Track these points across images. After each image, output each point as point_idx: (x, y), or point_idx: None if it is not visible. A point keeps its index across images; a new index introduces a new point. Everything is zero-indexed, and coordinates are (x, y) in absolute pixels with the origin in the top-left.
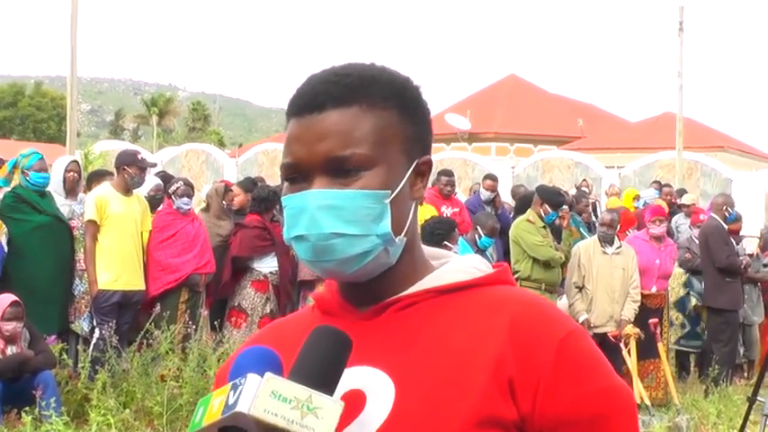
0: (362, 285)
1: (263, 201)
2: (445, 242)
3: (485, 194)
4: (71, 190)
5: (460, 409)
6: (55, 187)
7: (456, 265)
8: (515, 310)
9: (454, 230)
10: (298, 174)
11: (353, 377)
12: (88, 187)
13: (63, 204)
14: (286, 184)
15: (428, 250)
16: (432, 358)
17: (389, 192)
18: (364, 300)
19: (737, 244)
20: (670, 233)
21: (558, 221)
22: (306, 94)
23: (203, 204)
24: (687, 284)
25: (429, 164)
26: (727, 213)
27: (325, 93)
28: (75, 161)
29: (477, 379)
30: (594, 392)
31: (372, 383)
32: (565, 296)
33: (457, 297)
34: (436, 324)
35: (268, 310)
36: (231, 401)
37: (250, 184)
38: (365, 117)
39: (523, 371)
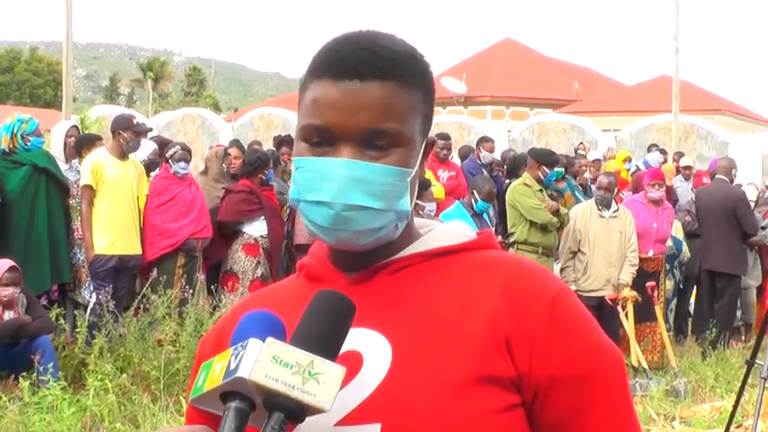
0: (355, 252)
1: (249, 165)
2: (417, 201)
3: (488, 157)
4: (71, 155)
5: (458, 367)
6: (55, 153)
7: (442, 230)
8: (507, 271)
9: (427, 189)
10: (323, 137)
11: (350, 339)
12: (78, 153)
13: (64, 170)
14: (303, 144)
15: (415, 221)
16: (427, 318)
17: (412, 170)
18: (354, 265)
19: None
20: (671, 196)
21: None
22: (347, 59)
23: (202, 167)
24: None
25: (433, 144)
26: (733, 177)
27: (368, 62)
28: (75, 126)
29: (473, 337)
30: (585, 350)
31: (369, 345)
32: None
33: (447, 260)
34: (430, 286)
35: (259, 274)
36: (232, 366)
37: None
38: (401, 94)
39: (519, 329)
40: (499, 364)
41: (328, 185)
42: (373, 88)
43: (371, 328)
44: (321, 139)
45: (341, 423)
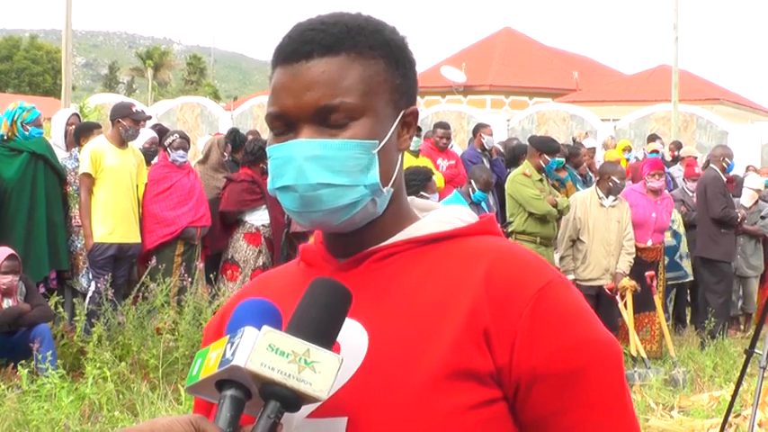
0: (346, 236)
1: (250, 154)
2: (421, 192)
3: (490, 142)
4: (72, 143)
5: (432, 361)
6: (56, 141)
7: (438, 215)
8: (492, 260)
9: (430, 180)
10: (284, 123)
11: None
12: (76, 141)
13: (63, 158)
14: (271, 134)
15: (418, 202)
16: (406, 309)
17: (377, 142)
18: (345, 250)
19: (737, 196)
20: (669, 185)
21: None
22: (292, 42)
23: (200, 156)
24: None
25: (415, 114)
26: (725, 164)
27: (312, 41)
28: (76, 114)
29: (450, 330)
30: (573, 344)
31: (347, 334)
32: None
33: (435, 248)
34: (412, 275)
35: (260, 263)
36: (228, 355)
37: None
38: (352, 66)
39: (499, 322)
40: (476, 357)
41: (289, 169)
42: (319, 65)
43: (351, 317)
44: (282, 125)
45: (312, 415)
